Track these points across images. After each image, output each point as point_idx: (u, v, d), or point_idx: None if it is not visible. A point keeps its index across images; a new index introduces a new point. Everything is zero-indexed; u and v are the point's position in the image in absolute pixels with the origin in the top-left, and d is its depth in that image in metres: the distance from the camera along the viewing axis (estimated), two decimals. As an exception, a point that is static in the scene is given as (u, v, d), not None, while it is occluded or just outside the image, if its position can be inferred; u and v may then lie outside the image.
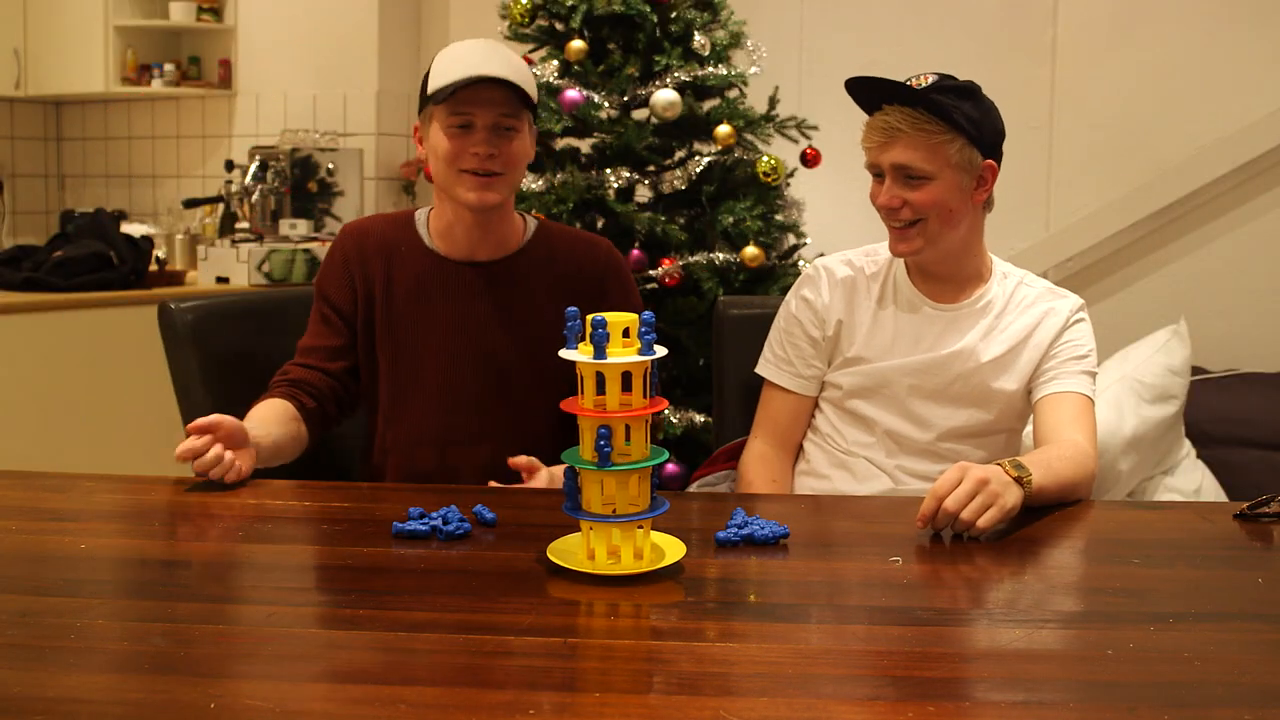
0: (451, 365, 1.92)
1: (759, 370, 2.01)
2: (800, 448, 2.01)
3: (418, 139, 1.95)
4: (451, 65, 1.83)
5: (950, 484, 1.47)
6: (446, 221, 1.93)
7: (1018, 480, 1.54)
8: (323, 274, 1.98)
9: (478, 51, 1.84)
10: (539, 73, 3.10)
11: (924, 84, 1.80)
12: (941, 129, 1.78)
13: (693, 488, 2.08)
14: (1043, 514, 1.64)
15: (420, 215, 1.99)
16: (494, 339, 1.92)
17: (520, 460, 1.79)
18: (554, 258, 1.96)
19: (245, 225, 4.17)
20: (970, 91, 1.83)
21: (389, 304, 1.93)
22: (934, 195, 1.81)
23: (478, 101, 1.81)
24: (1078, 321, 1.91)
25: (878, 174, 1.85)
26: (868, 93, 1.84)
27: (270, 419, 1.81)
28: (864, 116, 1.87)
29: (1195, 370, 3.30)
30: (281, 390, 1.88)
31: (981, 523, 1.47)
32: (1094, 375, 1.89)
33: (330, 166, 4.36)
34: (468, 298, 1.92)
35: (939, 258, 1.89)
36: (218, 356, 2.02)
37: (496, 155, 1.82)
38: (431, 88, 1.84)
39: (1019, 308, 1.91)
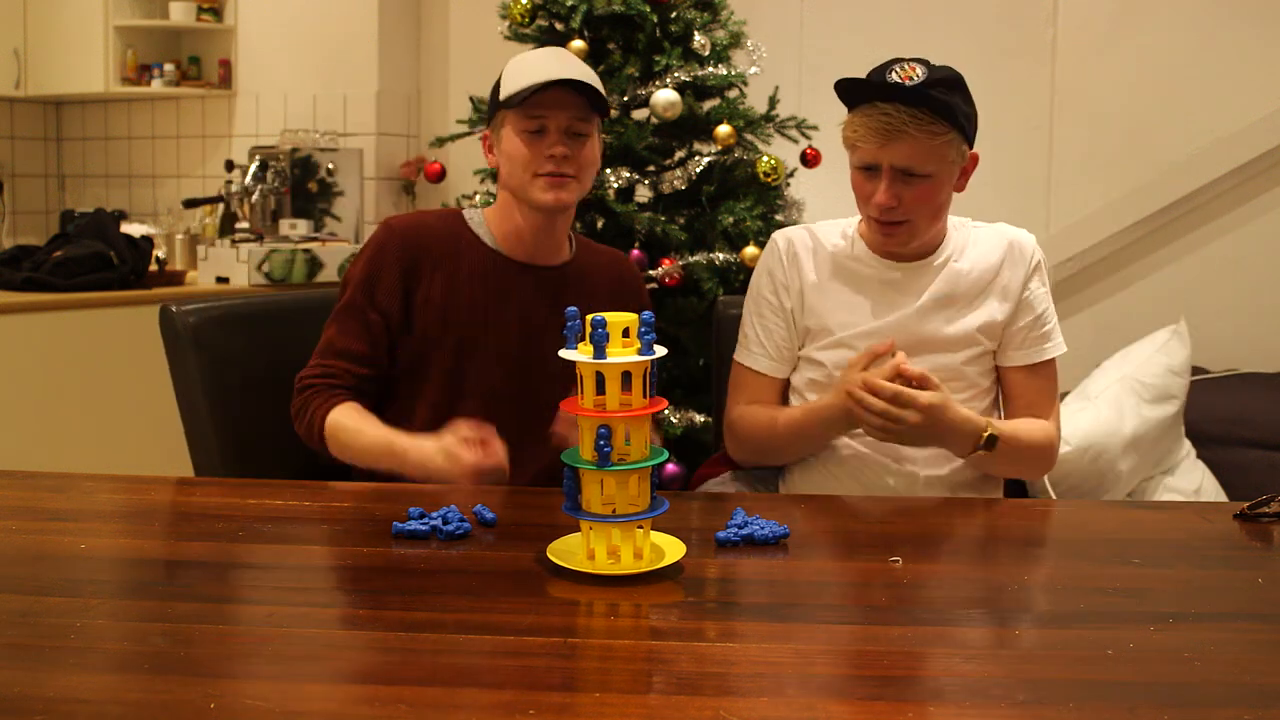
0: (518, 366, 1.92)
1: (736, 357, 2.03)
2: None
3: (487, 147, 1.95)
4: (525, 71, 1.86)
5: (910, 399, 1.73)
6: (514, 225, 1.94)
7: (979, 442, 1.79)
8: (368, 271, 1.91)
9: (551, 59, 1.89)
10: (539, 73, 3.10)
11: (915, 76, 1.79)
12: (944, 128, 1.79)
13: (702, 488, 2.08)
14: (1043, 514, 1.64)
15: (472, 216, 1.98)
16: (553, 332, 1.89)
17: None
18: (600, 264, 2.02)
19: (245, 225, 4.17)
20: (958, 82, 1.83)
21: (451, 302, 1.90)
22: (929, 193, 1.83)
23: (552, 105, 1.85)
24: (1038, 268, 1.94)
25: (868, 168, 1.84)
26: (867, 94, 1.82)
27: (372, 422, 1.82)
28: None
29: (1195, 370, 3.30)
30: (348, 396, 1.86)
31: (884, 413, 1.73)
32: (1056, 326, 1.94)
33: (330, 166, 4.36)
34: (534, 299, 1.94)
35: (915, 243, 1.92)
36: (219, 360, 2.02)
37: (570, 157, 1.87)
38: (505, 93, 1.86)
39: (975, 247, 1.94)
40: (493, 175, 3.02)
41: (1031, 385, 1.93)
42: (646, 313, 1.30)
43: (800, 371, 1.97)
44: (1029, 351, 1.92)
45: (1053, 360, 1.94)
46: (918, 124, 1.77)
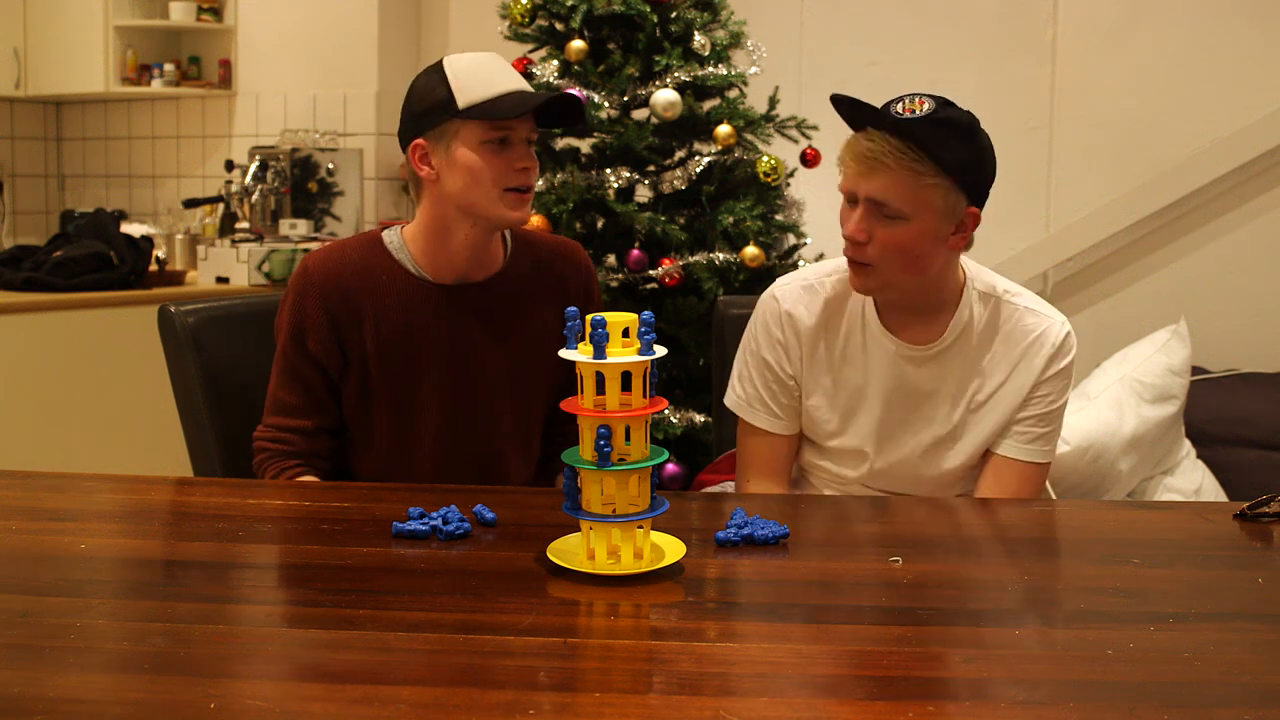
0: (456, 395, 1.85)
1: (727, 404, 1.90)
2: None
3: (419, 159, 1.78)
4: (482, 79, 1.73)
5: None
6: (447, 246, 1.81)
7: None
8: (295, 323, 1.80)
9: (498, 66, 1.77)
10: (539, 72, 3.10)
11: (919, 110, 1.63)
12: (930, 169, 1.62)
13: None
14: (1043, 514, 1.64)
15: (391, 239, 1.85)
16: (496, 359, 1.86)
17: None
18: (540, 265, 1.90)
19: (245, 225, 4.17)
20: (967, 127, 1.66)
21: (380, 342, 1.81)
22: (905, 238, 1.65)
23: (519, 116, 1.74)
24: (1066, 363, 1.78)
25: (850, 199, 1.70)
26: (855, 115, 1.70)
27: None
28: None
29: (1195, 370, 3.31)
30: (300, 466, 1.82)
31: None
32: (1059, 432, 1.80)
33: (330, 166, 4.36)
34: (465, 322, 1.84)
35: (901, 297, 1.76)
36: (217, 361, 2.01)
37: (531, 169, 1.78)
38: (465, 102, 1.72)
39: (1000, 337, 1.79)
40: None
41: (1012, 478, 1.79)
42: (647, 313, 1.30)
43: (804, 452, 1.89)
44: (1021, 446, 1.78)
45: (1045, 465, 1.80)
46: (899, 158, 1.61)
